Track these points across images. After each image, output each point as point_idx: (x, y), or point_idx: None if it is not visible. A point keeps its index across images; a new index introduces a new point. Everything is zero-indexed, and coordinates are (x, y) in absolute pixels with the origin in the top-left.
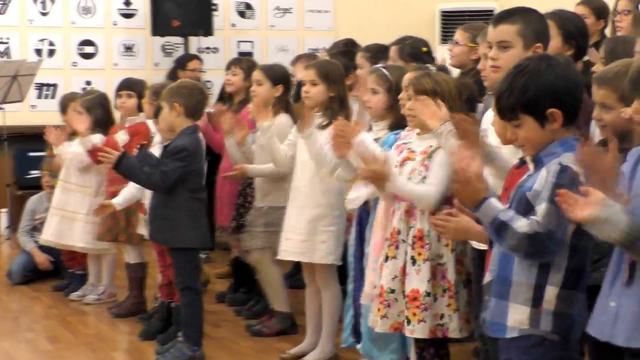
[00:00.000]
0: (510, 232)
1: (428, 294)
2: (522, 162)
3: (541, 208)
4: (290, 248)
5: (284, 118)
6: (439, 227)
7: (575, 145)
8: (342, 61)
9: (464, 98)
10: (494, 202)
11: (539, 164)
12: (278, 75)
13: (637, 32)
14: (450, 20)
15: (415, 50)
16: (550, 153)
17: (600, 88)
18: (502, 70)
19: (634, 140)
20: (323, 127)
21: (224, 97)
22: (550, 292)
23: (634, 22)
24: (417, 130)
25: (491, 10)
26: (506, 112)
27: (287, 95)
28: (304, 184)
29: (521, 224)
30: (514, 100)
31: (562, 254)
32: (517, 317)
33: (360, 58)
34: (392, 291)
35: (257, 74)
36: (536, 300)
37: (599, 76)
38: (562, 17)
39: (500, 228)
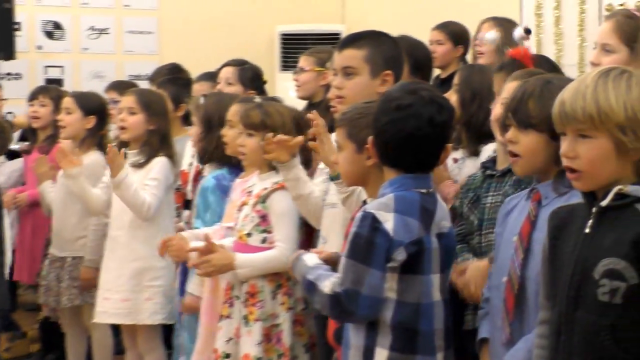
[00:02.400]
0: (317, 293)
1: None
2: (365, 203)
3: (341, 262)
4: (110, 309)
5: (95, 156)
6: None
7: (409, 183)
8: (171, 90)
9: (306, 131)
10: (306, 258)
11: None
12: (92, 105)
13: (499, 59)
14: (292, 45)
15: (258, 76)
16: (381, 195)
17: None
18: (348, 101)
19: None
20: (139, 165)
21: (27, 132)
22: (380, 356)
23: (497, 49)
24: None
25: (337, 34)
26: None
27: (101, 128)
28: (121, 233)
29: (326, 284)
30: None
31: (387, 311)
32: None
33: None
34: (227, 356)
35: (67, 101)
36: None
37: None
38: (411, 45)
39: (309, 288)
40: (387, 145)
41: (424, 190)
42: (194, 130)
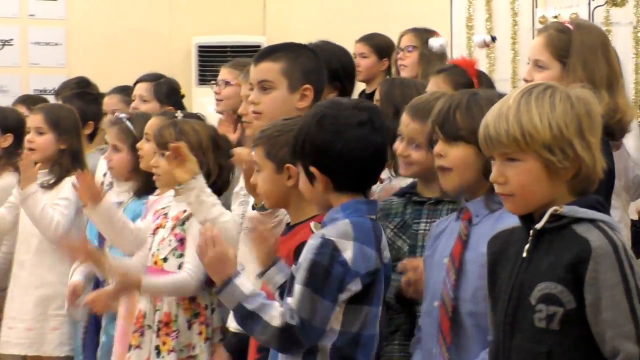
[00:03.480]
0: (261, 324)
1: None
2: (289, 228)
3: (296, 291)
4: (14, 339)
5: (10, 178)
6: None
7: (362, 209)
8: (78, 106)
9: (225, 149)
10: (239, 283)
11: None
12: (8, 122)
13: (423, 71)
14: (210, 57)
15: (174, 91)
16: (332, 219)
17: (414, 121)
18: (265, 117)
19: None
20: (49, 186)
21: None
22: None
23: (420, 60)
24: (172, 192)
25: (258, 46)
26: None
27: (18, 147)
28: (28, 257)
29: (274, 314)
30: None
31: (327, 340)
32: None
33: None
34: None
35: None
36: None
37: (413, 105)
38: (325, 52)
39: (246, 318)
40: (338, 167)
41: (373, 217)
42: (123, 156)
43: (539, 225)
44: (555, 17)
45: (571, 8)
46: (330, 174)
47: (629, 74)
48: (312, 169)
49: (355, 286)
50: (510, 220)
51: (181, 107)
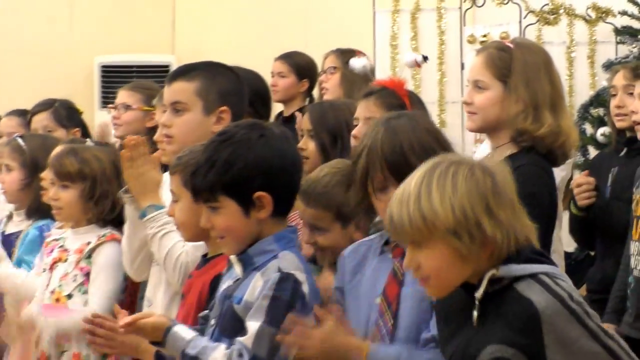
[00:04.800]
0: None
1: None
2: (205, 260)
3: (252, 328)
4: None
5: None
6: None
7: (294, 239)
8: None
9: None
10: (178, 330)
11: (248, 264)
12: None
13: (346, 93)
14: (114, 78)
15: (73, 111)
16: (263, 251)
17: (309, 207)
18: (177, 141)
19: None
20: None
21: None
22: None
23: (342, 82)
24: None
25: (166, 66)
26: (202, 192)
27: None
28: None
29: (217, 356)
30: (214, 177)
31: None
32: None
33: None
34: None
35: None
36: None
37: (304, 190)
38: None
39: None
40: (283, 184)
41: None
42: (14, 175)
43: (478, 294)
44: (485, 35)
45: (501, 26)
46: (277, 194)
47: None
48: (260, 194)
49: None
50: None
51: (84, 125)
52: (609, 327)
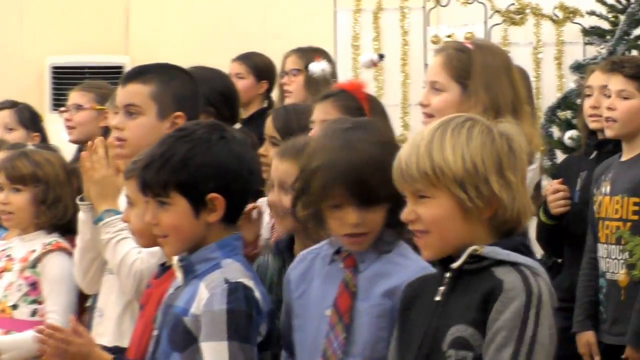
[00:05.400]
0: None
1: None
2: (164, 269)
3: (212, 351)
4: None
5: None
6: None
7: (238, 247)
8: None
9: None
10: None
11: (189, 272)
12: None
13: (310, 95)
14: (66, 79)
15: (35, 115)
16: (206, 259)
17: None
18: (130, 145)
19: None
20: None
21: None
22: None
23: (307, 84)
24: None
25: (120, 67)
26: (153, 186)
27: None
28: None
29: None
30: (169, 172)
31: None
32: None
33: None
34: None
35: None
36: None
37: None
38: (198, 78)
39: None
40: (237, 187)
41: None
42: None
43: (455, 265)
44: (449, 36)
45: (466, 27)
46: (230, 199)
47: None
48: (214, 196)
49: (264, 329)
50: (404, 263)
51: (43, 132)
52: (587, 335)
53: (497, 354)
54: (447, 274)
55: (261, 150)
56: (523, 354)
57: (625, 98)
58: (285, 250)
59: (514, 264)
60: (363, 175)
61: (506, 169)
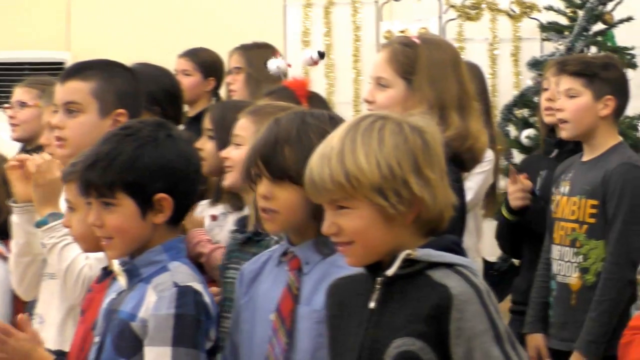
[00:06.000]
0: None
1: None
2: (107, 273)
3: (151, 354)
4: None
5: None
6: None
7: (184, 249)
8: None
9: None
10: None
11: (134, 276)
12: None
13: (252, 93)
14: (5, 76)
15: None
16: (151, 262)
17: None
18: (70, 145)
19: None
20: None
21: None
22: None
23: (248, 82)
24: None
25: (61, 63)
26: (98, 186)
27: None
28: None
29: None
30: (116, 172)
31: None
32: None
33: None
34: None
35: None
36: None
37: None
38: (142, 75)
39: None
40: (186, 187)
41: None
42: None
43: (390, 272)
44: (402, 31)
45: (420, 22)
46: (176, 199)
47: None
48: (161, 196)
49: (214, 334)
50: (348, 267)
51: None
52: (537, 338)
53: None
54: (379, 279)
55: (197, 144)
56: (510, 349)
57: (573, 97)
58: (241, 227)
59: (450, 265)
60: (276, 148)
61: (423, 167)
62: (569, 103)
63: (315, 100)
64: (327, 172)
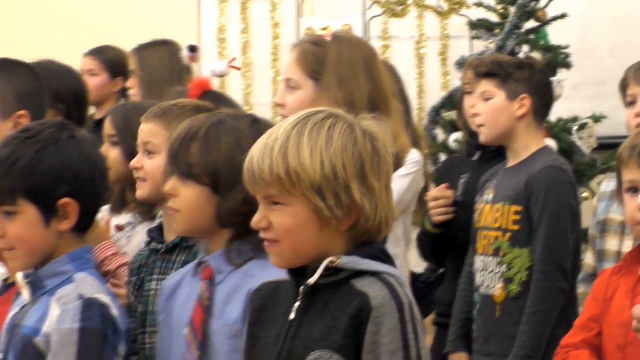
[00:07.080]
0: None
1: None
2: (8, 285)
3: None
4: None
5: None
6: None
7: (90, 259)
8: None
9: None
10: None
11: (38, 288)
12: None
13: (145, 96)
14: None
15: None
16: (56, 273)
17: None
18: None
19: None
20: None
21: None
22: None
23: (140, 85)
24: None
25: None
26: None
27: None
28: None
29: None
30: (16, 177)
31: None
32: None
33: None
34: None
35: None
36: None
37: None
38: (46, 72)
39: None
40: (92, 191)
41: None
42: None
43: (312, 280)
44: (325, 29)
45: (343, 19)
46: (82, 205)
47: (412, 97)
48: (66, 201)
49: (123, 349)
50: (262, 276)
51: None
52: (460, 357)
53: None
54: (301, 289)
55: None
56: None
57: (488, 99)
58: (157, 235)
59: (376, 274)
60: (184, 144)
61: (369, 174)
62: (484, 106)
63: (209, 99)
64: (267, 163)
